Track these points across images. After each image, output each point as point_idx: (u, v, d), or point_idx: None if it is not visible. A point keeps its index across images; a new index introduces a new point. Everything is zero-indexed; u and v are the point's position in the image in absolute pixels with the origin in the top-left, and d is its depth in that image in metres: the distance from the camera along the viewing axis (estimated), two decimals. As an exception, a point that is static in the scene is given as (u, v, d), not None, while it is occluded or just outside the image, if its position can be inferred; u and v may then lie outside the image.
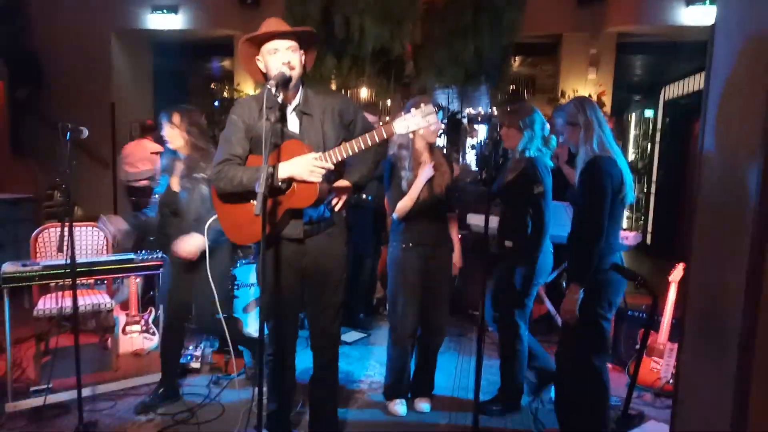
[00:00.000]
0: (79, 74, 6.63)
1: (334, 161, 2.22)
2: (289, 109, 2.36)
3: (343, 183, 2.44)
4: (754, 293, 1.30)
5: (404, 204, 2.94)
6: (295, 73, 2.26)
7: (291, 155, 2.23)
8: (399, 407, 3.09)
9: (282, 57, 2.24)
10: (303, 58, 2.35)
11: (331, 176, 2.42)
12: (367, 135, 2.19)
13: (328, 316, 2.52)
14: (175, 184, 3.03)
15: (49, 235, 3.70)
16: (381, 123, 3.42)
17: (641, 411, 3.13)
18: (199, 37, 7.16)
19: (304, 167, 2.19)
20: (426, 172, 2.93)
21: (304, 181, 2.22)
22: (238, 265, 4.15)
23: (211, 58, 8.51)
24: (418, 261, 2.99)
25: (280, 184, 2.23)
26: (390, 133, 2.18)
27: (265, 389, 2.23)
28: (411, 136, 2.88)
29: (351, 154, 2.20)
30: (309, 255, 2.44)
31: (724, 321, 1.46)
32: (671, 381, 3.27)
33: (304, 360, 2.70)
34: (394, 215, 3.00)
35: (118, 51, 6.92)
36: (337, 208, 2.44)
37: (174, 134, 2.96)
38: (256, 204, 2.01)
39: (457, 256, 3.16)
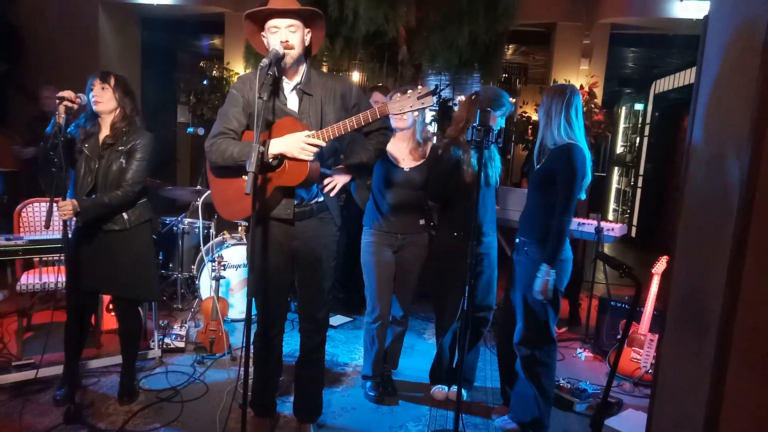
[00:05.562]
0: (65, 47, 6.47)
1: (327, 139, 2.20)
2: (290, 87, 2.34)
3: (340, 167, 2.43)
4: (735, 284, 1.32)
5: None
6: (294, 52, 2.24)
7: (285, 132, 2.21)
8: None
9: (281, 36, 2.21)
10: (308, 36, 2.32)
11: (328, 160, 2.41)
12: (360, 114, 2.17)
13: (317, 302, 2.52)
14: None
15: (33, 209, 3.65)
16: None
17: (620, 399, 3.19)
18: (190, 14, 7.02)
19: (295, 144, 2.17)
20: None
21: (295, 159, 2.20)
22: (226, 246, 4.13)
23: (202, 36, 8.37)
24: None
25: (270, 160, 2.21)
26: (384, 113, 2.17)
27: (251, 369, 2.23)
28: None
29: (343, 132, 2.18)
30: (299, 238, 2.43)
31: (704, 311, 1.48)
32: (650, 371, 3.34)
33: (291, 342, 2.71)
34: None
35: (106, 24, 6.76)
36: (332, 194, 2.42)
37: (107, 96, 2.76)
38: (246, 181, 2.00)
39: None
